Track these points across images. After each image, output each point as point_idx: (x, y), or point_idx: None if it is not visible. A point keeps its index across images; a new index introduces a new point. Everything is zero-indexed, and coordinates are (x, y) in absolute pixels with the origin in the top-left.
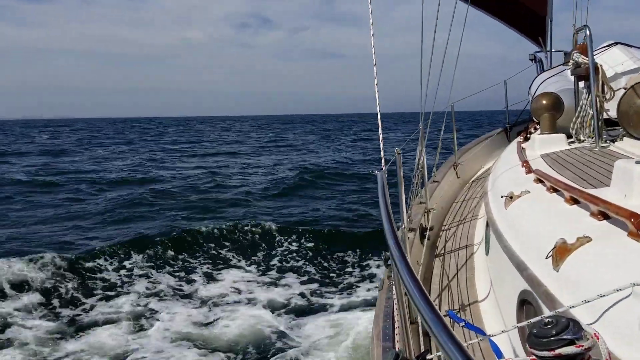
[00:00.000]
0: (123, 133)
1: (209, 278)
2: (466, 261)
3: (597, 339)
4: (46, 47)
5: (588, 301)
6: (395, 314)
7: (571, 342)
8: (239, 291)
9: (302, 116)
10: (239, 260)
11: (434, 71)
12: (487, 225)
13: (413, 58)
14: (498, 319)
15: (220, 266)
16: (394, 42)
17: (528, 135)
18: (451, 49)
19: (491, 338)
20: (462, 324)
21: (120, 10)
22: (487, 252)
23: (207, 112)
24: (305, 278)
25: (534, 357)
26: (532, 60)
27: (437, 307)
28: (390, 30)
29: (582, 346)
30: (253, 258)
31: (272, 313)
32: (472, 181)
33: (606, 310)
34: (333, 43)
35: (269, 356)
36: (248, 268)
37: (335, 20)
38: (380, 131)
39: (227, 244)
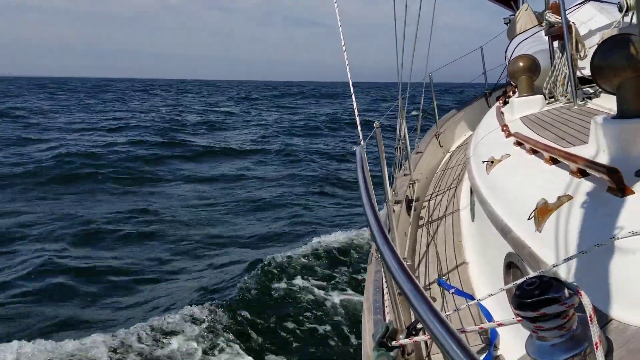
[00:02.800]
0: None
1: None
2: (453, 229)
3: (581, 295)
4: (16, 3)
5: (570, 259)
6: (384, 286)
7: (555, 300)
8: None
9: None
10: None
11: (410, 41)
12: (471, 191)
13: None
14: (487, 283)
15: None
16: (377, 9)
17: (507, 99)
18: (428, 19)
19: (481, 302)
20: (452, 290)
21: None
22: (472, 218)
23: (185, 75)
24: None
25: (520, 318)
26: (507, 24)
27: (416, 279)
28: None
29: (565, 304)
30: None
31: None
32: (455, 149)
33: (589, 267)
34: (313, 9)
35: None
36: None
37: None
38: (355, 106)
39: None
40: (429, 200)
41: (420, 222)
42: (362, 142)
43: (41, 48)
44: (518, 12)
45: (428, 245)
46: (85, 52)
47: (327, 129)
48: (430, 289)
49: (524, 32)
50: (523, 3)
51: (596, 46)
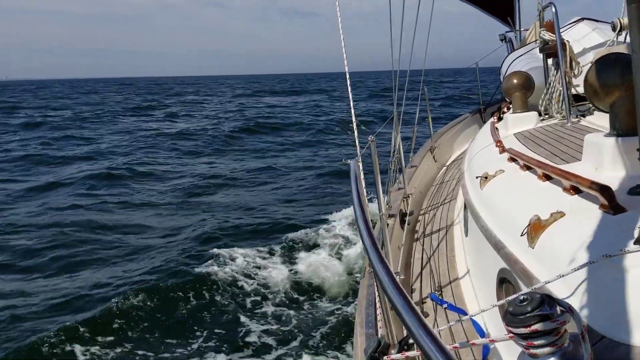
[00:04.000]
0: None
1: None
2: (446, 243)
3: (572, 312)
4: (15, 6)
5: (563, 275)
6: (376, 301)
7: (546, 317)
8: None
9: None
10: None
11: (406, 55)
12: (465, 206)
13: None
14: (480, 298)
15: None
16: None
17: (501, 115)
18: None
19: (473, 318)
20: (445, 305)
21: None
22: (465, 233)
23: (180, 72)
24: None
25: (511, 334)
26: (502, 40)
27: (409, 293)
28: None
29: (557, 320)
30: None
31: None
32: (449, 164)
33: (580, 284)
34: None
35: None
36: None
37: None
38: (353, 118)
39: None
40: (424, 214)
41: (415, 236)
42: (358, 154)
43: (39, 51)
44: (531, 28)
45: (422, 259)
46: (82, 52)
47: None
48: (424, 303)
49: (519, 48)
50: (520, 20)
51: (590, 64)
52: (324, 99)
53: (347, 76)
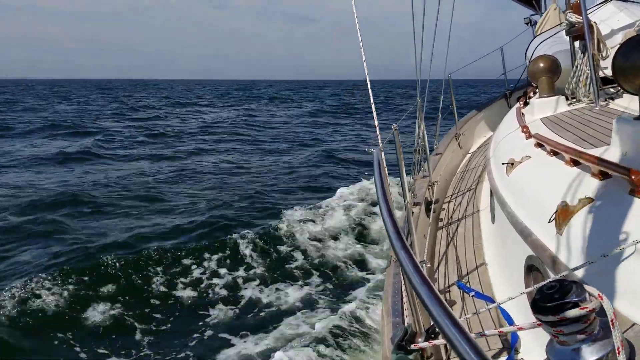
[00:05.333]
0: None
1: None
2: (473, 231)
3: (602, 299)
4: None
5: (592, 262)
6: (403, 289)
7: (575, 305)
8: None
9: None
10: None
11: (428, 40)
12: (491, 193)
13: (400, 22)
14: (507, 286)
15: None
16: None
17: (527, 100)
18: (443, 18)
19: (501, 305)
20: (472, 293)
21: None
22: (492, 220)
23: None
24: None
25: (540, 322)
26: (527, 23)
27: (433, 281)
28: None
29: (587, 308)
30: None
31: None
32: (475, 151)
33: (610, 270)
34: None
35: None
36: None
37: None
38: (373, 107)
39: None
40: (449, 202)
41: (440, 224)
42: (380, 144)
43: (29, 48)
44: (547, 11)
45: (447, 247)
46: (81, 52)
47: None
48: (449, 291)
49: (546, 31)
50: (545, 3)
51: (618, 46)
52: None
53: (365, 69)
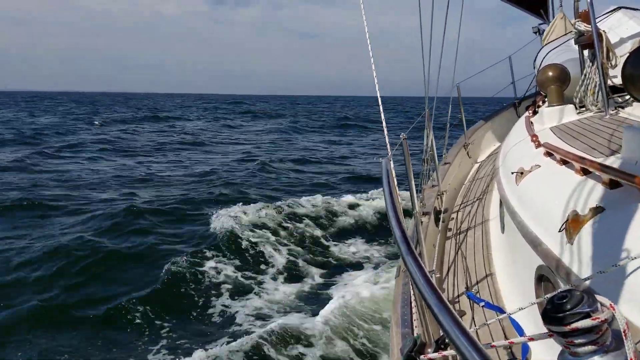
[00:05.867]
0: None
1: None
2: (482, 241)
3: (614, 309)
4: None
5: (603, 272)
6: (412, 299)
7: (587, 315)
8: None
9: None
10: None
11: (436, 52)
12: (501, 203)
13: (405, 37)
14: (518, 296)
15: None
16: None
17: (536, 109)
18: (450, 30)
19: (511, 316)
20: (482, 304)
21: None
22: (502, 229)
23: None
24: None
25: (551, 332)
26: (536, 32)
27: (443, 291)
28: (374, 8)
29: (598, 318)
30: None
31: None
32: (484, 160)
33: (622, 280)
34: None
35: None
36: None
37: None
38: (382, 116)
39: None
40: (458, 211)
41: (449, 234)
42: (389, 153)
43: (31, 61)
44: (554, 20)
45: (457, 257)
46: (77, 65)
47: None
48: (459, 301)
49: (554, 40)
50: (553, 12)
51: (627, 54)
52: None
53: (376, 81)
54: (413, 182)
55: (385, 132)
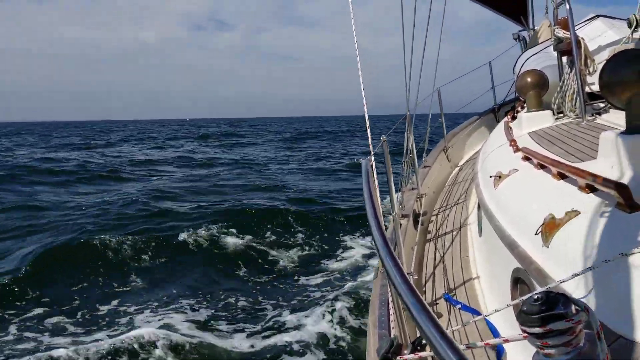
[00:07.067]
0: None
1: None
2: (460, 244)
3: (588, 312)
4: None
5: (578, 274)
6: (390, 301)
7: (561, 317)
8: None
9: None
10: None
11: (417, 59)
12: (479, 206)
13: (380, 57)
14: (494, 298)
15: None
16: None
17: (515, 114)
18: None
19: (487, 318)
20: (459, 306)
21: (71, 11)
22: (480, 232)
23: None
24: None
25: (526, 334)
26: (516, 39)
27: (421, 293)
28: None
29: (572, 320)
30: None
31: None
32: (463, 164)
33: (596, 282)
34: (292, 46)
35: None
36: None
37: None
38: (366, 117)
39: None
40: (437, 214)
41: (428, 237)
42: (371, 153)
43: (16, 92)
44: (540, 26)
45: (435, 259)
46: (68, 95)
47: None
48: (437, 304)
49: (532, 47)
50: (533, 19)
51: (605, 61)
52: None
53: (363, 87)
54: (393, 184)
55: (369, 131)
